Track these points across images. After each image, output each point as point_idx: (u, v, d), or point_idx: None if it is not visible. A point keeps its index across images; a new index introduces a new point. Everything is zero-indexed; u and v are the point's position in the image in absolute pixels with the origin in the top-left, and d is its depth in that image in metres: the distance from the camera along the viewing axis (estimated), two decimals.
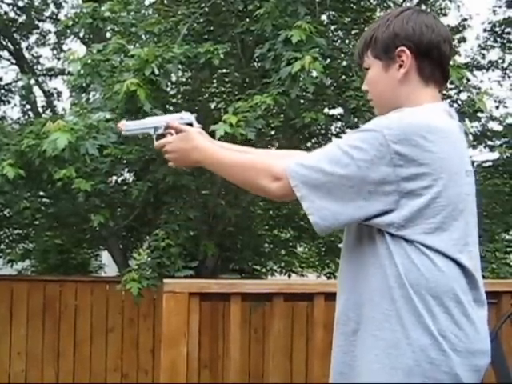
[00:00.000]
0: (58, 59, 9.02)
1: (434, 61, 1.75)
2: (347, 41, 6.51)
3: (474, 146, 7.38)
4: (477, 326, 1.65)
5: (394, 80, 1.75)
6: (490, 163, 7.18)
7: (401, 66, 1.73)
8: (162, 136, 2.02)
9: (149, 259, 5.34)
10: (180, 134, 1.96)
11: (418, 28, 1.73)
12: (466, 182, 1.70)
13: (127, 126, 2.09)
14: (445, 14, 8.47)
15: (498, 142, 7.43)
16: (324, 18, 6.01)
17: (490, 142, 7.46)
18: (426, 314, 1.58)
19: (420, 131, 1.59)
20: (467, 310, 1.63)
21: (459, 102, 6.67)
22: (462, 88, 5.66)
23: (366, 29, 1.89)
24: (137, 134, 2.21)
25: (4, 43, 8.49)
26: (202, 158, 1.90)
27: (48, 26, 8.95)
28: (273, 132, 6.18)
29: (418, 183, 1.58)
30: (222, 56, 4.96)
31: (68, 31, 6.12)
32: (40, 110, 8.32)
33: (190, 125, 2.01)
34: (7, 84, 8.87)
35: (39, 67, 9.13)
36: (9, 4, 8.46)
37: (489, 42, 8.81)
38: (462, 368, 1.59)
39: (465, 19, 8.68)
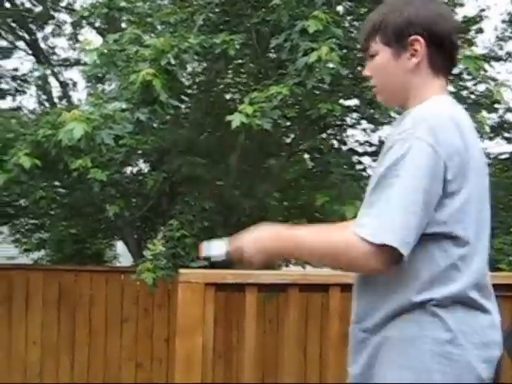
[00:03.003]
0: (74, 50, 9.03)
1: (446, 51, 1.71)
2: None
3: (490, 138, 7.32)
4: (492, 317, 1.65)
5: (404, 69, 1.70)
6: (507, 155, 7.13)
7: (413, 55, 1.69)
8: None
9: (163, 249, 5.35)
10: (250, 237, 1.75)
11: (431, 17, 1.69)
12: (486, 173, 1.70)
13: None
14: (462, 5, 8.38)
15: None
16: (340, 8, 5.97)
17: (506, 134, 7.40)
18: (442, 310, 1.57)
19: (449, 128, 1.58)
20: (482, 302, 1.63)
21: (476, 93, 6.61)
22: (479, 79, 5.60)
23: (371, 13, 1.80)
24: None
25: (20, 34, 8.50)
26: (281, 249, 1.73)
27: (64, 16, 8.95)
28: (288, 123, 6.16)
29: (458, 182, 1.58)
30: (237, 46, 4.95)
31: (84, 21, 6.13)
32: (56, 100, 8.35)
33: None
34: (23, 74, 8.88)
35: (55, 57, 9.13)
36: None
37: (507, 33, 8.71)
38: (477, 359, 1.59)
39: (482, 10, 8.57)
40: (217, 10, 5.73)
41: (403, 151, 1.55)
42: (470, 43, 7.00)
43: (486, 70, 5.03)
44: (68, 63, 9.05)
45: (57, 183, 6.38)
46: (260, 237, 1.72)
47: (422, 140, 1.54)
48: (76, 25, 8.39)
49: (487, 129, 5.41)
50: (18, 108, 8.51)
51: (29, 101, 8.89)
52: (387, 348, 1.63)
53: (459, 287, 1.59)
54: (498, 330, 1.67)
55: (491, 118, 7.05)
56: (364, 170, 6.36)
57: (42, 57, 8.47)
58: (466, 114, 1.72)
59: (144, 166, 6.80)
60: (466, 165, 1.58)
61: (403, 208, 1.53)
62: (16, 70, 8.83)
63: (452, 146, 1.57)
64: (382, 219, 1.54)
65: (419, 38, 1.67)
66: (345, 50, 5.39)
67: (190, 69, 5.73)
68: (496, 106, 5.65)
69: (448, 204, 1.57)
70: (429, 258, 1.58)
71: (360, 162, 6.57)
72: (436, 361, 1.57)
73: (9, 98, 8.67)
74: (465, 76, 6.05)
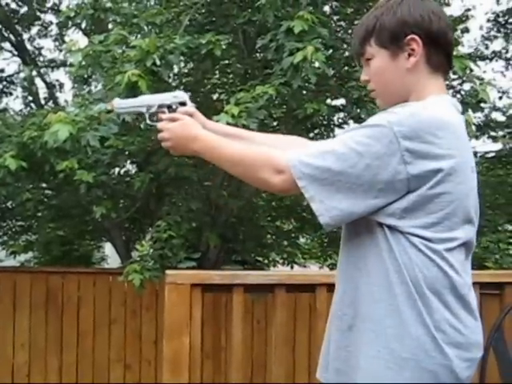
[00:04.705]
0: (60, 51, 9.00)
1: (442, 49, 1.72)
2: (350, 31, 6.48)
3: (476, 137, 7.37)
4: (475, 317, 1.65)
5: (402, 69, 1.70)
6: (493, 154, 7.19)
7: (410, 54, 1.69)
8: (155, 115, 1.96)
9: (151, 251, 5.34)
10: (178, 121, 1.88)
11: (426, 15, 1.69)
12: (472, 177, 1.68)
13: (119, 103, 2.03)
14: (448, 4, 8.40)
15: (500, 133, 7.42)
16: (326, 8, 5.97)
17: (493, 133, 7.45)
18: (425, 309, 1.57)
19: (430, 128, 1.56)
20: (467, 302, 1.63)
21: (462, 93, 6.64)
22: (465, 78, 5.63)
23: (363, 17, 1.81)
24: (129, 113, 2.17)
25: (6, 35, 8.46)
26: (202, 150, 1.82)
27: (50, 17, 8.92)
28: (275, 123, 6.16)
29: (428, 179, 1.55)
30: (223, 47, 4.94)
31: (70, 22, 6.09)
32: (42, 101, 8.31)
33: (184, 104, 1.95)
34: (9, 76, 8.85)
35: (41, 59, 9.11)
36: None
37: (492, 33, 8.77)
38: (457, 360, 1.58)
39: (468, 9, 8.62)
40: (203, 10, 5.73)
41: (367, 123, 1.61)
42: (456, 42, 7.03)
43: (471, 70, 5.05)
44: (54, 64, 9.01)
45: (43, 185, 6.35)
46: (183, 135, 1.86)
47: (389, 123, 1.56)
48: (62, 26, 8.36)
49: (473, 128, 5.43)
50: (4, 109, 8.47)
51: (15, 102, 8.86)
52: (369, 342, 1.62)
53: None
54: (480, 330, 1.68)
55: (477, 117, 7.11)
56: None
57: (28, 58, 8.43)
58: (461, 117, 1.71)
59: (131, 167, 6.78)
60: (446, 166, 1.56)
61: (324, 153, 1.60)
62: (2, 71, 8.80)
63: (430, 148, 1.55)
64: (309, 158, 1.61)
65: (416, 37, 1.68)
66: (331, 50, 5.40)
67: (176, 69, 5.71)
68: (482, 105, 5.67)
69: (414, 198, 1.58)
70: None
71: None
72: (415, 358, 1.57)
73: None
74: (451, 75, 6.07)
